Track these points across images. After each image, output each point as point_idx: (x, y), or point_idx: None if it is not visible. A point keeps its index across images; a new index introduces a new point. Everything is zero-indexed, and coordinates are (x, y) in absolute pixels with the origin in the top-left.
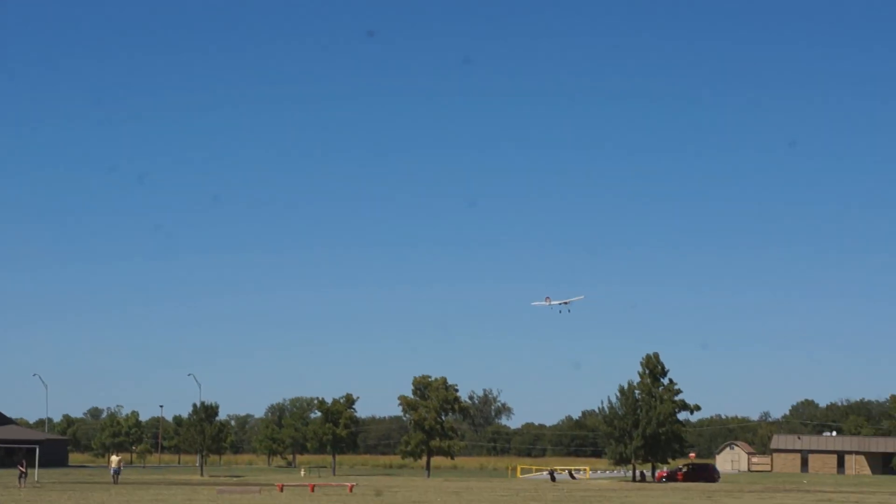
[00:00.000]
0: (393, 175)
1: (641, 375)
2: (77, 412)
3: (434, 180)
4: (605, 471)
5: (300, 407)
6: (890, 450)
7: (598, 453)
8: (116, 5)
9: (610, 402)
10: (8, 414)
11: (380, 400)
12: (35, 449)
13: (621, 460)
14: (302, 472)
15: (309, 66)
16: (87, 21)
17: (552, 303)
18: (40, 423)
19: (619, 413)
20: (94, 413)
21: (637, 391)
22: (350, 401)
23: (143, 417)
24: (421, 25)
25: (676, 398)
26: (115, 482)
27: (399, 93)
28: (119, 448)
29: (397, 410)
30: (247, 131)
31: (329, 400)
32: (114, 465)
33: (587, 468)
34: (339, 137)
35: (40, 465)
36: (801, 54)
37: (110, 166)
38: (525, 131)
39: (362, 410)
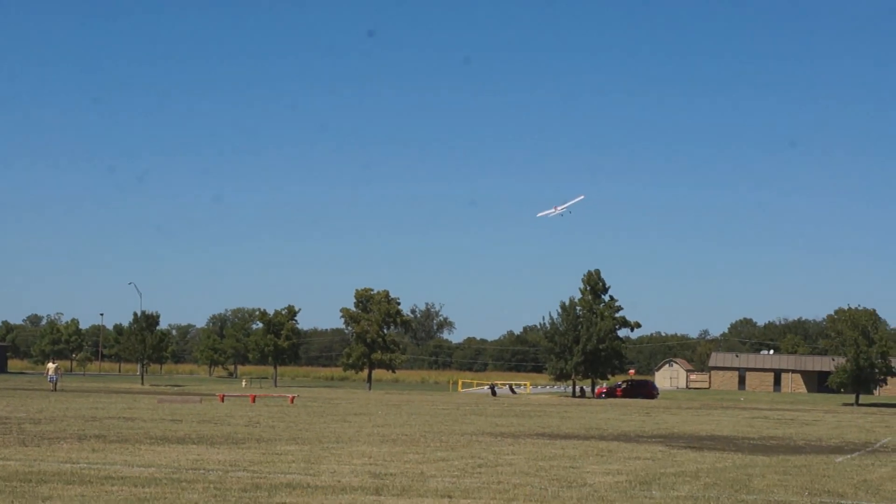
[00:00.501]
0: (393, 175)
1: (583, 292)
2: (16, 319)
3: (434, 180)
4: (546, 386)
5: (242, 318)
6: (825, 368)
7: (538, 369)
8: (116, 5)
9: (551, 317)
10: None
11: (322, 312)
12: None
13: (561, 376)
14: (243, 383)
15: (309, 66)
16: (87, 21)
17: (558, 209)
18: None
19: (560, 329)
20: (34, 320)
21: (578, 307)
22: (292, 312)
23: (84, 325)
24: (421, 25)
25: (617, 315)
26: (54, 389)
27: (399, 93)
28: (59, 356)
29: (339, 323)
30: (247, 131)
31: (271, 311)
32: (50, 372)
33: (528, 383)
34: (339, 137)
35: None
36: (800, 54)
37: (110, 166)
38: (525, 131)
39: (304, 322)
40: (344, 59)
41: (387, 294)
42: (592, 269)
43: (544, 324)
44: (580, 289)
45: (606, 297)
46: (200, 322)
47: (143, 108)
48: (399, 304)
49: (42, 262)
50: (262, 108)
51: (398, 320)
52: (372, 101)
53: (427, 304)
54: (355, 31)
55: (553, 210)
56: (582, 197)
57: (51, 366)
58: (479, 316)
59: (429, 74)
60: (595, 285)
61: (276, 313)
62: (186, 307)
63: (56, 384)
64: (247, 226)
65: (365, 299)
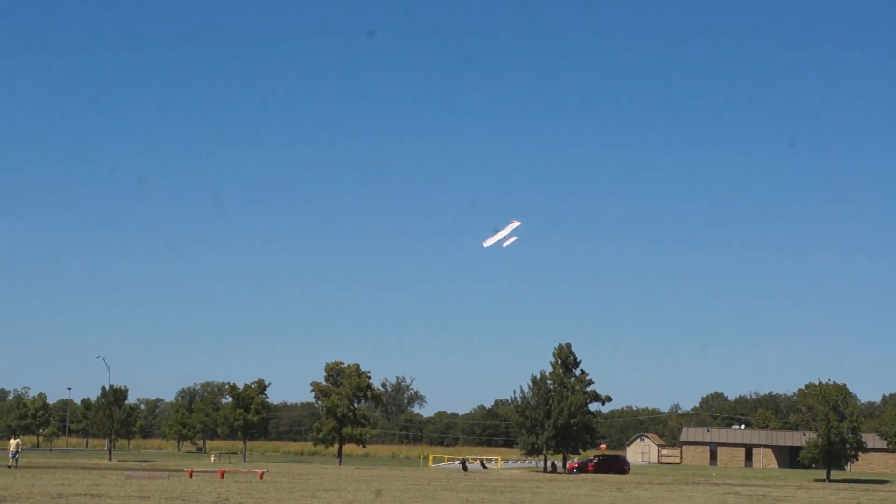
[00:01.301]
0: (393, 175)
1: (554, 366)
2: None
3: (434, 180)
4: (517, 461)
5: (211, 392)
6: (797, 443)
7: (510, 443)
8: (116, 5)
9: (522, 391)
10: None
11: (292, 386)
12: None
13: (533, 450)
14: (212, 458)
15: (309, 66)
16: (87, 21)
17: (499, 235)
18: None
19: (532, 403)
20: (0, 395)
21: (549, 381)
22: (262, 386)
23: (51, 400)
24: (421, 25)
25: (588, 389)
26: (15, 466)
27: (399, 93)
28: (25, 431)
29: (309, 397)
30: (247, 131)
31: (241, 385)
32: (12, 448)
33: (499, 458)
34: (339, 137)
35: None
36: (801, 54)
37: (110, 166)
38: (524, 131)
39: (274, 396)
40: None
41: (357, 368)
42: (563, 343)
43: (515, 398)
44: (551, 362)
45: (577, 371)
46: (169, 396)
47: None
48: (370, 377)
49: (8, 334)
50: (262, 108)
51: (369, 394)
52: (372, 100)
53: (398, 377)
54: (355, 31)
55: (496, 236)
56: (517, 224)
57: (13, 441)
58: (449, 389)
59: (429, 74)
60: (566, 359)
61: (246, 387)
62: (155, 381)
63: (16, 460)
64: (217, 300)
65: (335, 373)
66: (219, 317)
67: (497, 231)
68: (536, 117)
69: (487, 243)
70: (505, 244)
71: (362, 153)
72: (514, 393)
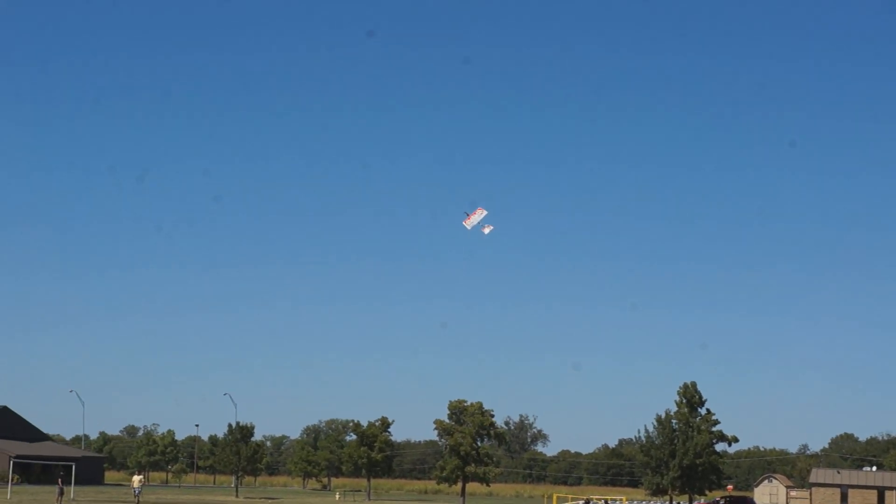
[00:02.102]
0: (393, 175)
1: (678, 405)
2: (114, 429)
3: (434, 181)
4: (642, 501)
5: (336, 429)
6: None
7: (634, 483)
8: (116, 5)
9: (647, 431)
10: (45, 430)
11: (415, 424)
12: (72, 466)
13: (658, 491)
14: (337, 496)
15: (309, 66)
16: (87, 21)
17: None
18: (77, 440)
19: (656, 443)
20: (131, 431)
21: (674, 420)
22: (385, 424)
23: (179, 436)
24: (421, 25)
25: (714, 429)
26: (137, 502)
27: (399, 93)
28: (155, 467)
29: (433, 435)
30: (247, 131)
31: (364, 423)
32: (135, 484)
33: (623, 498)
34: (339, 137)
35: (77, 483)
36: (800, 54)
37: (110, 166)
38: (524, 131)
39: (398, 434)
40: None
41: (480, 406)
42: (689, 382)
43: (640, 437)
44: (676, 401)
45: (703, 410)
46: (294, 433)
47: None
48: (493, 416)
49: (138, 372)
50: (262, 108)
51: (492, 433)
52: (372, 100)
53: (521, 415)
54: (355, 31)
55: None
56: (485, 212)
57: (136, 478)
58: (573, 428)
59: (428, 74)
60: (691, 398)
61: (370, 425)
62: (281, 418)
63: (139, 497)
64: (342, 338)
65: (458, 411)
66: (343, 354)
67: (468, 215)
68: (536, 117)
69: (467, 223)
70: (485, 230)
71: (363, 153)
72: (639, 432)
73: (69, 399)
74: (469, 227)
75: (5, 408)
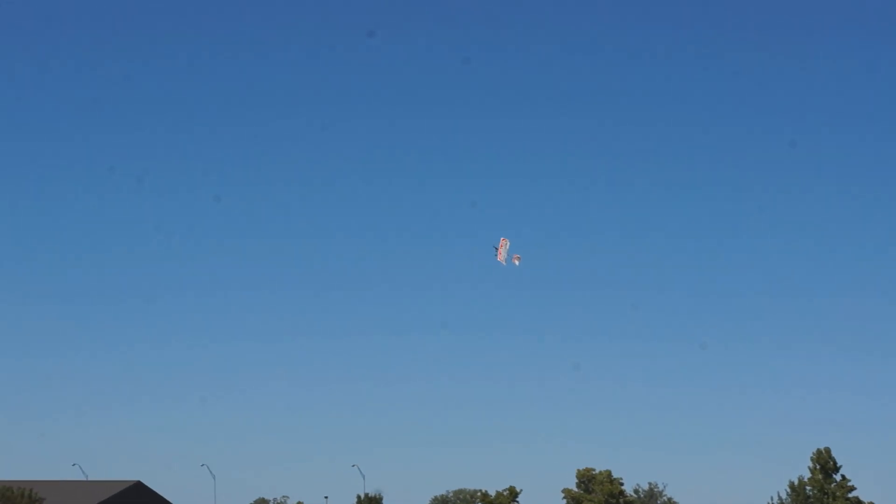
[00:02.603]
0: (392, 175)
1: (812, 471)
2: (244, 503)
3: (434, 181)
4: None
5: (464, 499)
6: None
7: None
8: (116, 5)
9: (780, 498)
10: None
11: (543, 493)
12: None
13: None
14: None
15: (309, 66)
16: (87, 21)
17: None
18: None
19: None
20: (260, 503)
21: (808, 487)
22: (513, 493)
23: None
24: (421, 25)
25: (850, 495)
26: None
27: (399, 93)
28: None
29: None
30: (247, 131)
31: (492, 492)
32: None
33: None
34: (339, 137)
35: None
36: (801, 54)
37: (110, 166)
38: (524, 131)
39: (526, 503)
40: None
41: (609, 474)
42: (822, 448)
43: None
44: (809, 467)
45: (838, 477)
46: (423, 503)
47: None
48: (622, 484)
49: (268, 443)
50: (262, 108)
51: (622, 501)
52: (372, 100)
53: (650, 483)
54: (355, 31)
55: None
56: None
57: None
58: (703, 495)
59: (428, 74)
60: (825, 464)
61: (498, 494)
62: (409, 487)
63: None
64: (468, 407)
65: (587, 479)
66: (470, 421)
67: (496, 249)
68: (536, 117)
69: (500, 258)
70: (515, 261)
71: (362, 152)
72: (772, 499)
73: (201, 473)
74: (503, 262)
75: (139, 483)
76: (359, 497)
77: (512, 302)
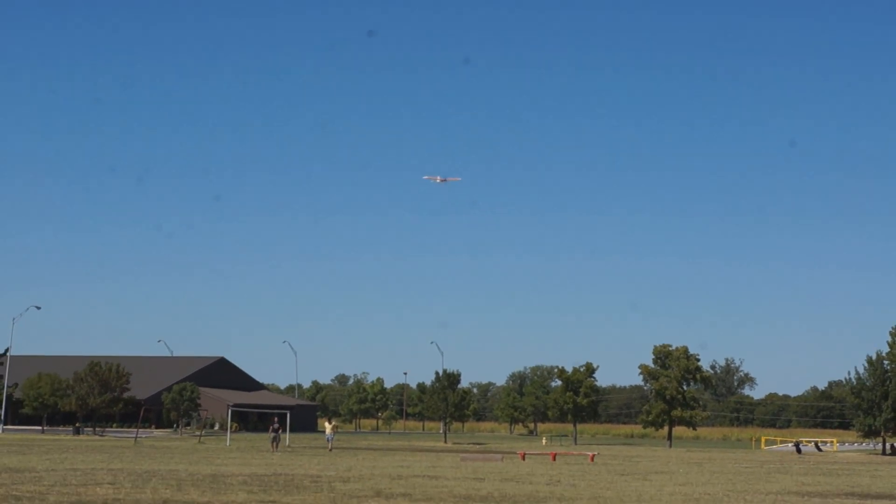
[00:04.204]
0: (392, 175)
1: (891, 346)
2: (325, 378)
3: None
4: (854, 443)
5: (541, 375)
6: None
7: (845, 425)
8: (116, 5)
9: (857, 372)
10: (260, 380)
11: (620, 369)
12: (286, 414)
13: (870, 433)
14: (543, 441)
15: (309, 66)
16: (87, 21)
17: (441, 179)
18: (290, 389)
19: (868, 384)
20: (342, 380)
21: (886, 362)
22: (590, 370)
23: (388, 384)
24: (421, 25)
25: None
26: (330, 449)
27: (399, 93)
28: (365, 414)
29: (638, 380)
30: (247, 131)
31: (569, 369)
32: (328, 431)
33: (834, 440)
34: (339, 137)
35: (291, 430)
36: (800, 54)
37: (110, 166)
38: (524, 131)
39: (602, 379)
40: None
41: (686, 350)
42: None
43: (850, 379)
44: (888, 342)
45: None
46: (500, 380)
47: (144, 109)
48: (698, 360)
49: (348, 322)
50: (262, 108)
51: (698, 376)
52: (372, 100)
53: (727, 359)
54: (355, 31)
55: (437, 179)
56: (458, 178)
57: (328, 425)
58: (780, 371)
59: (429, 74)
60: None
61: (575, 371)
62: (486, 365)
63: (331, 443)
64: (546, 285)
65: (664, 356)
66: (547, 300)
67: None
68: (536, 117)
69: (427, 177)
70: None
71: (362, 152)
72: (849, 374)
73: (283, 350)
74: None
75: (222, 359)
76: (437, 374)
77: (592, 181)
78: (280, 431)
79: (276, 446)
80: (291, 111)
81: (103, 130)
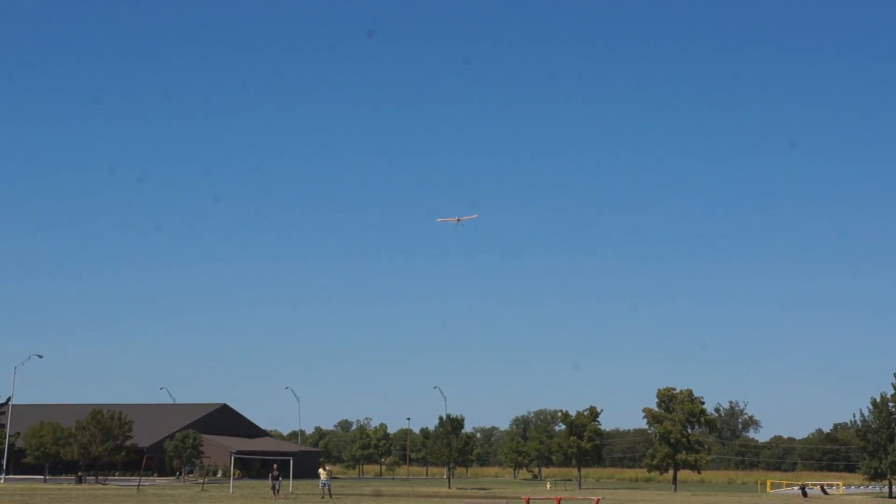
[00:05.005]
0: (393, 175)
1: (895, 387)
2: (328, 424)
3: (434, 181)
4: (860, 486)
5: (544, 419)
6: None
7: (851, 468)
8: (116, 5)
9: (862, 414)
10: (263, 426)
11: (624, 412)
12: (289, 461)
13: (876, 475)
14: (548, 486)
15: (309, 66)
16: (87, 20)
17: (459, 219)
18: (293, 436)
19: (873, 426)
20: (344, 425)
21: (891, 404)
22: (594, 413)
23: (391, 430)
24: (421, 25)
25: None
26: (328, 494)
27: (399, 93)
28: (368, 460)
29: (642, 423)
30: (247, 131)
31: (573, 412)
32: (323, 478)
33: (840, 483)
34: (338, 137)
35: (294, 477)
36: (800, 54)
37: (110, 166)
38: (525, 131)
39: (606, 423)
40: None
41: (690, 393)
42: None
43: (855, 421)
44: (893, 384)
45: None
46: (503, 424)
47: (144, 108)
48: (703, 402)
49: (350, 367)
50: (261, 108)
51: (702, 419)
52: (372, 100)
53: (731, 402)
54: (355, 31)
55: (455, 220)
56: (475, 216)
57: (322, 472)
58: (785, 414)
59: (428, 74)
60: None
61: (579, 414)
62: (490, 410)
63: (329, 489)
64: (549, 329)
65: (667, 399)
66: (550, 344)
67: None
68: (536, 117)
69: (442, 220)
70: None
71: (362, 152)
72: (854, 416)
73: (286, 396)
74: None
75: (225, 406)
76: (441, 418)
77: (593, 226)
78: (280, 478)
79: (278, 493)
80: (291, 111)
81: (103, 130)
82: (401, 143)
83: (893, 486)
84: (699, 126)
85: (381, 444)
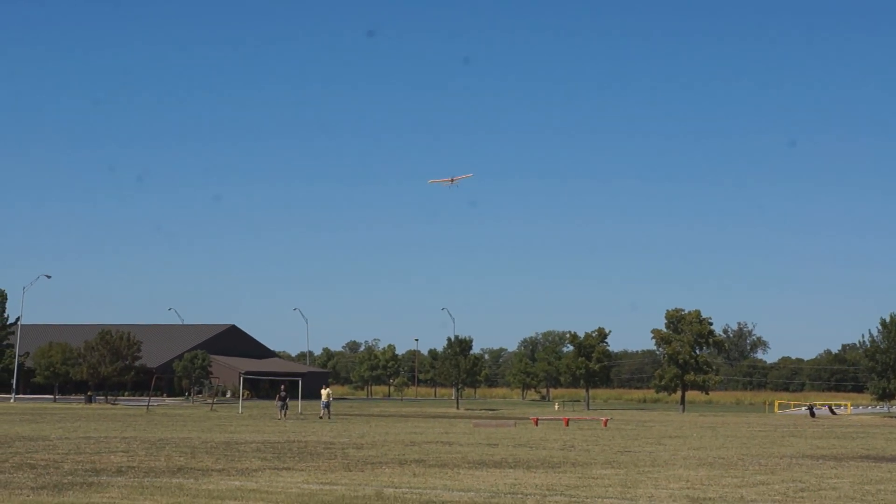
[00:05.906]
0: (392, 175)
1: None
2: (336, 345)
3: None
4: (868, 406)
5: (553, 341)
6: None
7: (859, 388)
8: (116, 5)
9: (871, 335)
10: (271, 348)
11: (632, 334)
12: (298, 382)
13: (884, 395)
14: (556, 406)
15: (309, 66)
16: (87, 20)
17: (453, 180)
18: (301, 357)
19: (882, 347)
20: (353, 346)
21: None
22: (602, 335)
23: (400, 351)
24: (421, 25)
25: None
26: (327, 417)
27: (399, 93)
28: (377, 381)
29: (650, 344)
30: (247, 131)
31: (581, 334)
32: (324, 398)
33: (848, 403)
34: (338, 137)
35: (302, 398)
36: (800, 54)
37: (110, 166)
38: (525, 131)
39: (615, 344)
40: (344, 59)
41: (698, 314)
42: None
43: (864, 342)
44: None
45: None
46: (512, 346)
47: (143, 108)
48: (711, 323)
49: (359, 288)
50: (261, 108)
51: (710, 340)
52: (372, 100)
53: (739, 323)
54: (355, 31)
55: (448, 181)
56: (471, 175)
57: (324, 392)
58: (793, 334)
59: (428, 74)
60: None
61: (587, 336)
62: (498, 331)
63: (329, 410)
64: (557, 250)
65: (676, 320)
66: (558, 265)
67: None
68: (536, 117)
69: (433, 181)
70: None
71: (363, 152)
72: (863, 337)
73: (294, 317)
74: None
75: (233, 327)
76: (449, 339)
77: (602, 149)
78: (287, 399)
79: (285, 414)
80: (291, 111)
81: (103, 130)
82: (401, 142)
83: None
84: (700, 126)
85: (389, 365)
